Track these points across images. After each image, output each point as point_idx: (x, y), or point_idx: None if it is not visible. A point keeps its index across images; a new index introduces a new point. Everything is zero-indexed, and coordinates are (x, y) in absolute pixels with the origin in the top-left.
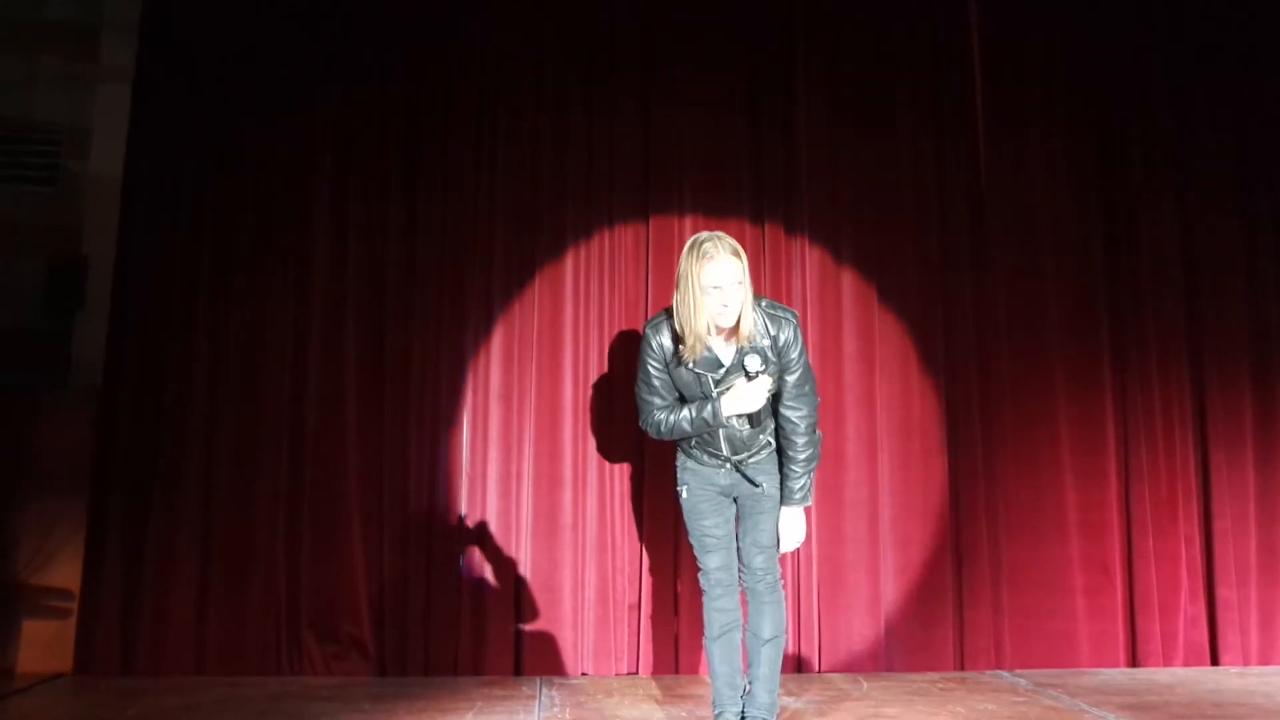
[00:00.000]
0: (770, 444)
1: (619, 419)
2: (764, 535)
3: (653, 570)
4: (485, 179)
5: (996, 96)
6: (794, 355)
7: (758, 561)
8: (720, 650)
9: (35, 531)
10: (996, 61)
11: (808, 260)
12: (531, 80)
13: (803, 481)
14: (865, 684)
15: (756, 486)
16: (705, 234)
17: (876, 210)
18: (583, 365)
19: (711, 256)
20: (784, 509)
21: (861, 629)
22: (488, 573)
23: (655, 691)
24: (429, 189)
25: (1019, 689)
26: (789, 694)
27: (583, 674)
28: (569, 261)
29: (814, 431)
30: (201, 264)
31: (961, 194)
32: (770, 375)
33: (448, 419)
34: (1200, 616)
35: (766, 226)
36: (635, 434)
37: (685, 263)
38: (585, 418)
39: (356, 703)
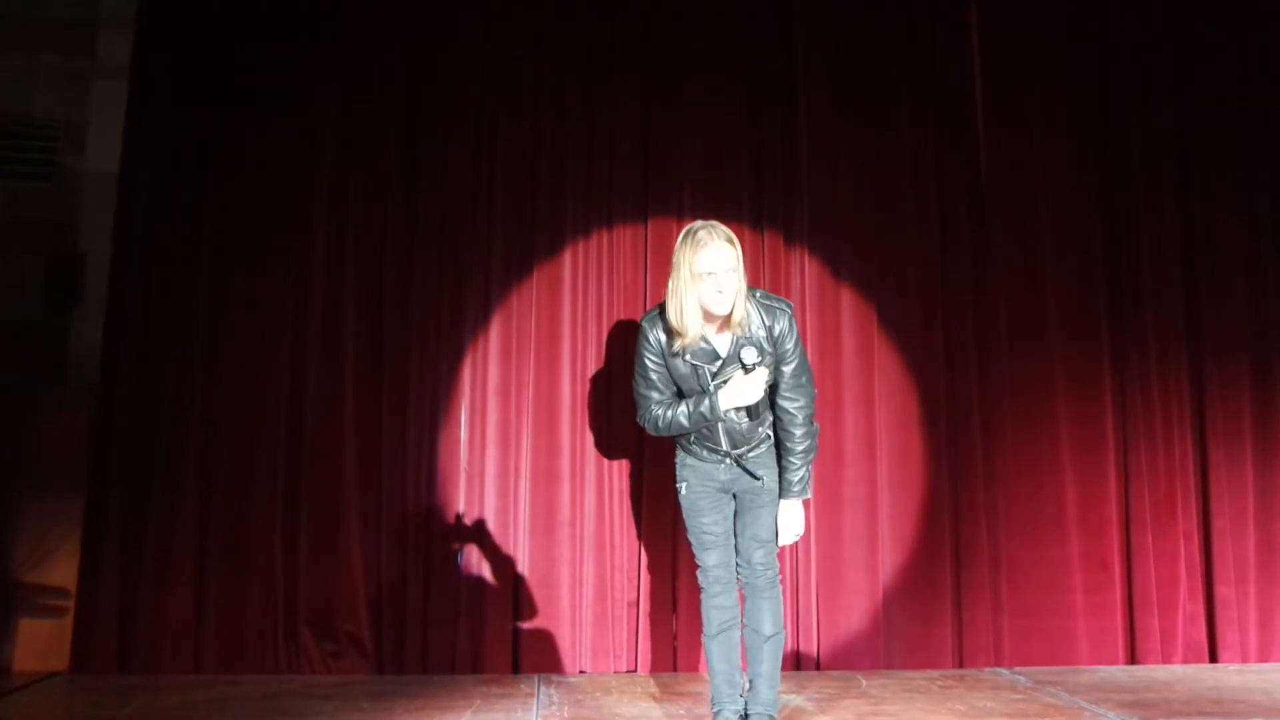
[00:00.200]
0: (769, 437)
1: (617, 416)
2: (763, 530)
3: (651, 568)
4: (485, 179)
5: (997, 96)
6: (789, 346)
7: (757, 557)
8: (719, 648)
9: (32, 530)
10: (996, 61)
11: (808, 258)
12: (531, 80)
13: (801, 474)
14: (865, 681)
15: (757, 479)
16: (700, 222)
17: (876, 210)
18: (581, 362)
19: (705, 243)
20: (783, 502)
21: (861, 627)
22: (486, 570)
23: (654, 689)
24: (429, 189)
25: (1018, 686)
26: (789, 691)
27: (581, 672)
28: (567, 260)
29: (811, 423)
30: (200, 262)
31: (961, 193)
32: (767, 366)
33: (446, 417)
34: (1199, 614)
35: (766, 226)
36: (634, 431)
37: (679, 251)
38: (583, 415)
39: (355, 701)
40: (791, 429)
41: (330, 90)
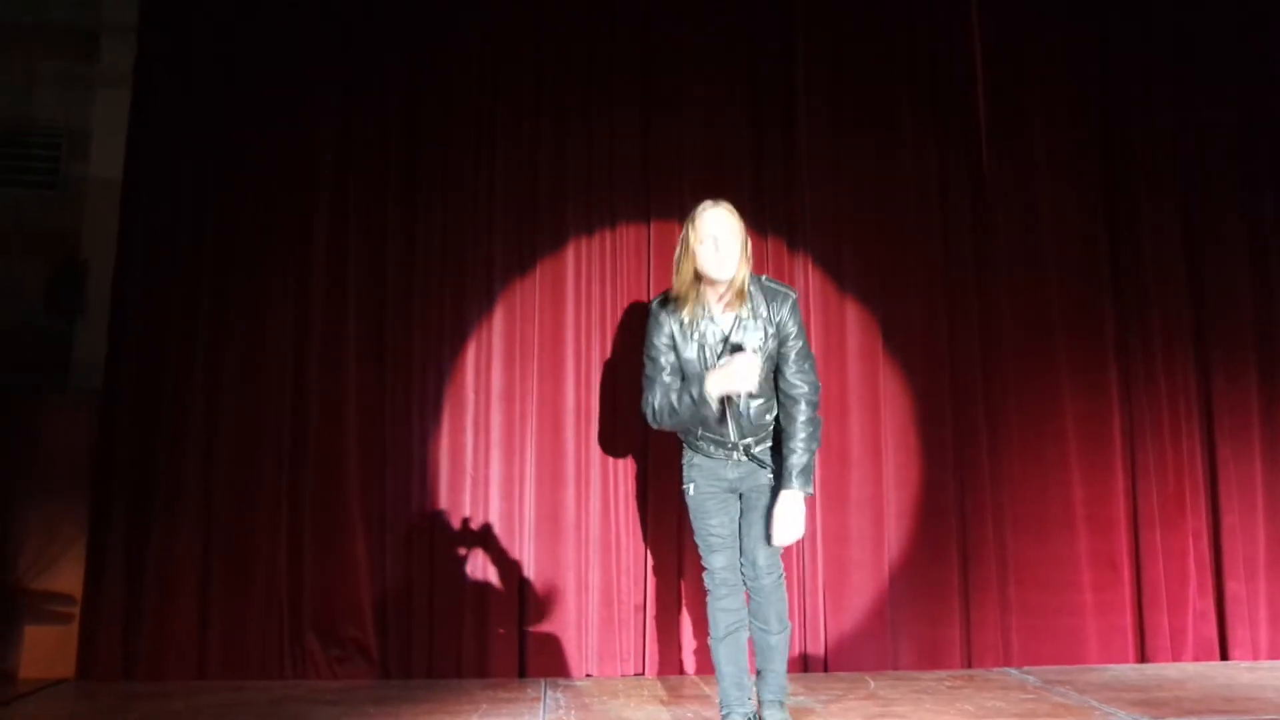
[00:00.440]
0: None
1: (622, 416)
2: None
3: (657, 570)
4: (485, 179)
5: (997, 96)
6: (792, 330)
7: (762, 557)
8: (726, 650)
9: (38, 536)
10: (997, 61)
11: (810, 257)
12: (531, 80)
13: (805, 461)
14: (873, 682)
15: (765, 468)
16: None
17: (878, 209)
18: (585, 364)
19: (707, 209)
20: (783, 492)
21: (868, 627)
22: (491, 574)
23: (661, 692)
24: (429, 189)
25: (1027, 686)
26: (797, 693)
27: (588, 675)
28: (570, 261)
29: (815, 411)
30: (202, 265)
31: (964, 193)
32: (762, 354)
33: (449, 419)
34: (1209, 611)
35: (768, 226)
36: (638, 433)
37: (685, 226)
38: (588, 417)
39: (360, 706)
40: (794, 411)
41: (330, 91)
